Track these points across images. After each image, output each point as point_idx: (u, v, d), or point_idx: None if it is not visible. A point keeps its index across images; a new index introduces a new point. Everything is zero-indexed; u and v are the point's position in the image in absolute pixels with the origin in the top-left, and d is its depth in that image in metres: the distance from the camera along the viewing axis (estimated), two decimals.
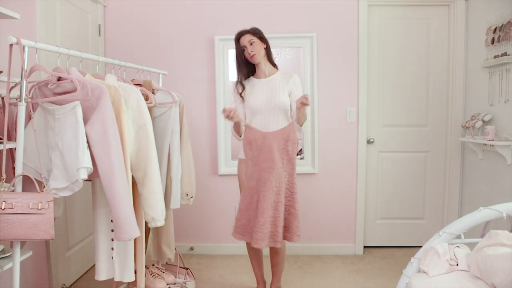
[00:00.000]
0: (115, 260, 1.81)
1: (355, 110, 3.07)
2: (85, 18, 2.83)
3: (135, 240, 1.82)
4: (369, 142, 3.16)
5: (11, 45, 1.43)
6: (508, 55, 2.42)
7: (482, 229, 1.60)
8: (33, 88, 1.65)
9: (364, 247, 3.20)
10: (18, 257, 1.49)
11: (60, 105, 1.54)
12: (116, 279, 1.82)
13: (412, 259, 1.49)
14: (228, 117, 2.04)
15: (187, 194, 2.28)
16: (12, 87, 1.57)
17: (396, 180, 3.21)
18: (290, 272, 2.79)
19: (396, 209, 3.23)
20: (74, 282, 2.62)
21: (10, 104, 1.67)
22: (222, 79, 3.07)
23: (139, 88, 1.93)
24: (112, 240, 1.81)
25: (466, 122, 2.79)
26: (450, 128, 3.10)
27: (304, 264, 2.95)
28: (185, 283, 2.37)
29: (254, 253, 2.33)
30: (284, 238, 2.13)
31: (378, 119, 3.16)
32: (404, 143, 3.18)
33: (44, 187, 1.47)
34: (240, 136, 2.25)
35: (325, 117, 3.07)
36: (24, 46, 1.45)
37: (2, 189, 1.43)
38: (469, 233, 1.49)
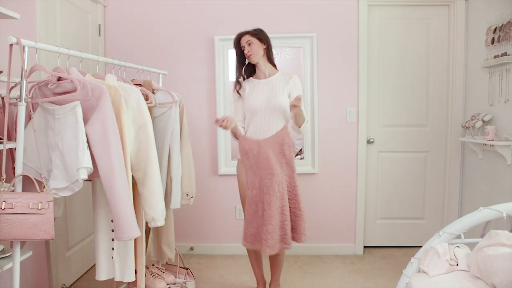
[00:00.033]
0: (116, 260, 1.81)
1: (355, 110, 3.07)
2: (85, 18, 2.83)
3: (135, 240, 1.83)
4: (369, 142, 3.16)
5: (11, 45, 1.43)
6: (508, 55, 2.42)
7: (482, 229, 1.60)
8: (33, 88, 1.65)
9: (364, 247, 3.20)
10: (18, 257, 1.49)
11: (60, 105, 1.54)
12: (117, 279, 1.82)
13: (412, 259, 1.49)
14: (222, 126, 2.05)
15: (187, 194, 2.28)
16: (12, 87, 1.57)
17: (396, 180, 3.21)
18: (290, 272, 2.79)
19: (396, 209, 3.23)
20: (74, 282, 2.62)
21: (10, 104, 1.67)
22: (222, 79, 3.07)
23: (139, 88, 1.93)
24: (113, 240, 1.81)
25: (466, 122, 2.79)
26: (450, 128, 3.10)
27: (304, 264, 2.95)
28: (185, 283, 2.37)
29: (254, 254, 2.33)
30: (292, 239, 2.14)
31: (378, 119, 3.17)
32: (404, 143, 3.18)
33: (44, 187, 1.47)
34: (238, 139, 2.26)
35: (325, 117, 3.07)
36: (24, 46, 1.45)
37: (2, 189, 1.43)
38: (469, 233, 1.49)
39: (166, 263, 2.48)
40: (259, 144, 2.12)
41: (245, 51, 2.19)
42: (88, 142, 1.51)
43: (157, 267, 2.35)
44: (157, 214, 1.81)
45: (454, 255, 1.39)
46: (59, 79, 1.61)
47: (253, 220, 2.08)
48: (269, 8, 3.03)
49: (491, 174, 2.69)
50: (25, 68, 1.46)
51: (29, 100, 1.50)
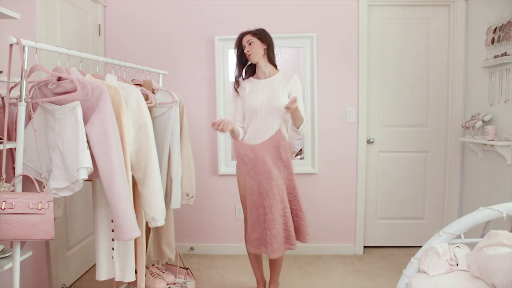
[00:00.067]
0: (116, 260, 1.81)
1: (355, 110, 3.07)
2: (85, 18, 2.83)
3: (135, 240, 1.83)
4: (369, 142, 3.16)
5: (11, 45, 1.43)
6: (508, 55, 2.42)
7: (482, 229, 1.60)
8: (33, 88, 1.65)
9: (364, 247, 3.20)
10: (18, 257, 1.49)
11: (60, 105, 1.54)
12: (117, 279, 1.82)
13: (412, 259, 1.49)
14: (218, 130, 2.06)
15: (188, 194, 2.28)
16: (12, 87, 1.57)
17: (396, 180, 3.21)
18: (290, 272, 2.79)
19: (396, 209, 3.23)
20: (74, 282, 2.62)
21: (10, 104, 1.67)
22: (222, 79, 3.07)
23: (139, 88, 1.93)
24: (113, 240, 1.81)
25: (466, 122, 2.79)
26: (450, 128, 3.10)
27: (304, 264, 2.95)
28: (185, 283, 2.37)
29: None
30: (296, 239, 2.14)
31: (378, 119, 3.16)
32: (404, 143, 3.18)
33: (44, 187, 1.47)
34: (237, 140, 2.27)
35: (325, 117, 3.07)
36: (24, 46, 1.45)
37: (2, 189, 1.43)
38: (469, 233, 1.49)
39: (166, 263, 2.48)
40: (254, 149, 2.12)
41: (245, 50, 2.20)
42: (88, 142, 1.51)
43: (157, 267, 2.35)
44: (157, 214, 1.81)
45: (454, 255, 1.39)
46: (59, 79, 1.61)
47: (256, 225, 2.07)
48: (269, 8, 3.03)
49: (491, 174, 2.69)
50: (25, 68, 1.46)
51: (29, 100, 1.50)
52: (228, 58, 3.06)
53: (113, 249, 1.82)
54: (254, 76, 2.31)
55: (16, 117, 1.53)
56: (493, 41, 2.58)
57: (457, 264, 1.37)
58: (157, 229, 2.30)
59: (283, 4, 3.03)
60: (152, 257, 2.37)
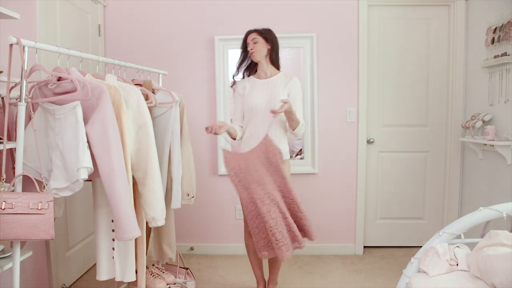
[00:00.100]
0: (116, 260, 1.81)
1: (355, 110, 3.07)
2: (85, 18, 2.83)
3: (136, 240, 1.83)
4: (369, 142, 3.16)
5: (11, 45, 1.43)
6: (508, 55, 2.42)
7: (482, 229, 1.60)
8: (33, 88, 1.65)
9: (364, 247, 3.20)
10: (18, 257, 1.49)
11: (60, 105, 1.54)
12: (117, 279, 1.82)
13: (412, 259, 1.49)
14: (212, 133, 2.05)
15: (188, 194, 2.28)
16: (12, 87, 1.57)
17: (396, 180, 3.21)
18: (290, 272, 2.79)
19: (396, 209, 3.23)
20: (74, 282, 2.62)
21: (10, 104, 1.67)
22: (222, 79, 3.07)
23: (139, 88, 1.93)
24: (113, 240, 1.81)
25: (466, 122, 2.79)
26: (450, 128, 3.10)
27: (304, 264, 2.95)
28: (185, 283, 2.37)
29: (254, 254, 2.33)
30: (303, 236, 2.12)
31: (378, 119, 3.17)
32: (404, 143, 3.18)
33: (44, 187, 1.47)
34: (235, 139, 2.28)
35: (325, 117, 3.07)
36: (24, 46, 1.45)
37: (2, 189, 1.43)
38: (469, 233, 1.49)
39: (166, 263, 2.48)
40: (245, 157, 2.11)
41: (249, 48, 2.21)
42: (88, 142, 1.51)
43: (157, 267, 2.35)
44: (157, 214, 1.81)
45: (454, 255, 1.40)
46: (59, 79, 1.61)
47: (260, 233, 2.05)
48: (269, 8, 3.03)
49: (491, 174, 2.69)
50: (25, 68, 1.46)
51: (29, 100, 1.50)
52: (228, 58, 3.05)
53: (113, 249, 1.82)
54: (255, 75, 2.31)
55: (16, 117, 1.53)
56: (493, 41, 2.58)
57: (457, 264, 1.37)
58: (158, 229, 2.30)
59: (283, 4, 3.03)
60: (153, 257, 2.38)
